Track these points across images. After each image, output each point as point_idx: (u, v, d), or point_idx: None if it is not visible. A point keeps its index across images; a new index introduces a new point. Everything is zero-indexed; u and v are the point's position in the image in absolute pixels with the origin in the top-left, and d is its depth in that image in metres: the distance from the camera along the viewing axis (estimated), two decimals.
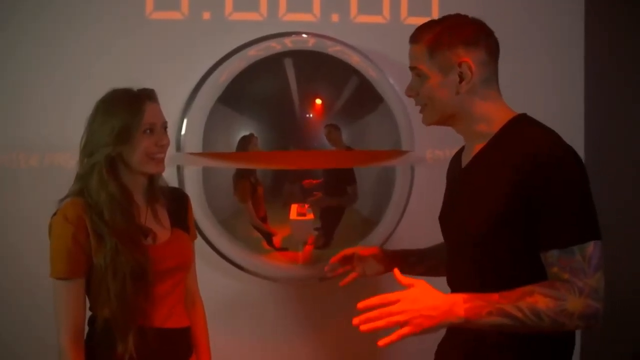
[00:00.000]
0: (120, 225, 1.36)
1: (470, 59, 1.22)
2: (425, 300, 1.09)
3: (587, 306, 1.09)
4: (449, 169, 1.47)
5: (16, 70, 2.08)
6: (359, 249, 1.59)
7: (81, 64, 2.10)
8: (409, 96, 1.33)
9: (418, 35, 1.27)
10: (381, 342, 1.07)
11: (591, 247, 1.10)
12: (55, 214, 1.39)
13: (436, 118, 1.30)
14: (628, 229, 2.27)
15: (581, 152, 2.27)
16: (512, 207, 1.15)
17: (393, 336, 1.08)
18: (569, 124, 2.28)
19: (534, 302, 1.09)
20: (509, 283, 1.14)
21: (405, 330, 1.08)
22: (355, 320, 1.09)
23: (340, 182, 1.99)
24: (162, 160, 1.44)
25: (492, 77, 1.27)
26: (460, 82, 1.24)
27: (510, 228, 1.16)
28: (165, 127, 1.47)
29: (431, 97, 1.27)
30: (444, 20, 1.27)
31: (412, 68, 1.29)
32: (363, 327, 1.08)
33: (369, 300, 1.10)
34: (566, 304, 1.09)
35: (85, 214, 1.36)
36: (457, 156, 1.42)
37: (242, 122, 1.98)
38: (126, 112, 1.39)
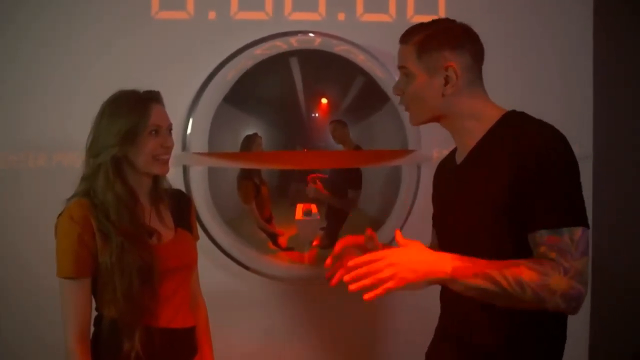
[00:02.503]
0: (126, 225, 1.37)
1: (455, 63, 1.26)
2: (412, 254, 1.12)
3: (570, 287, 1.09)
4: (436, 174, 1.49)
5: (20, 70, 2.09)
6: (346, 240, 1.50)
7: (85, 64, 2.11)
8: (396, 94, 1.36)
9: (408, 36, 1.30)
10: (366, 296, 1.10)
11: (579, 232, 1.12)
12: (61, 213, 1.40)
13: (423, 118, 1.33)
14: (636, 227, 2.30)
15: (589, 155, 2.30)
16: (511, 195, 1.17)
17: (378, 290, 1.10)
18: (577, 128, 2.28)
19: (519, 272, 1.10)
20: None
21: (389, 284, 1.10)
22: (346, 277, 1.12)
23: (344, 183, 1.99)
24: (166, 162, 1.46)
25: (477, 79, 1.30)
26: (446, 84, 1.27)
27: (509, 216, 1.18)
28: (170, 129, 1.49)
29: (416, 96, 1.30)
30: (433, 24, 1.30)
31: (400, 67, 1.32)
32: (352, 287, 1.11)
33: (358, 258, 1.12)
34: (549, 280, 1.09)
35: (91, 214, 1.37)
36: (448, 159, 1.44)
37: (248, 122, 1.99)
38: (132, 113, 1.40)
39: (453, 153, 1.41)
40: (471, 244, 1.24)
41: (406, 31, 1.32)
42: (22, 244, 2.07)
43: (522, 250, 1.18)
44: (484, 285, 1.11)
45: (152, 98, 1.45)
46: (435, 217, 1.45)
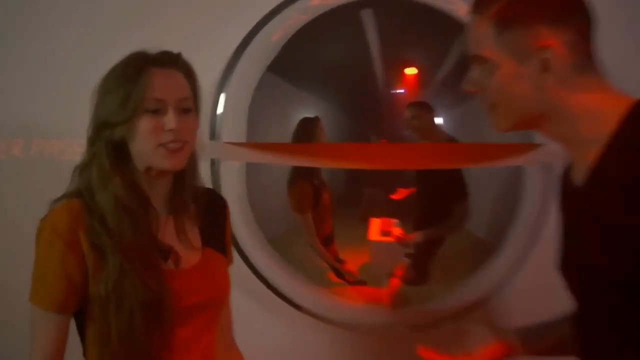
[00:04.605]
0: (128, 238, 1.37)
1: (556, 41, 1.18)
2: None
3: None
4: (560, 191, 1.38)
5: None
6: None
7: (84, 27, 2.23)
8: (470, 92, 1.30)
9: (481, 3, 1.23)
10: None
11: None
12: (43, 219, 1.41)
13: (513, 122, 1.27)
14: None
15: None
16: None
17: None
18: None
19: None
20: None
21: None
22: None
23: (443, 195, 2.00)
24: (176, 152, 1.43)
25: (589, 61, 1.21)
26: (544, 72, 1.19)
27: None
28: (186, 109, 1.45)
29: (504, 93, 1.23)
30: None
31: (472, 57, 1.26)
32: None
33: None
34: None
35: (82, 222, 1.38)
36: (566, 175, 1.34)
37: (304, 100, 2.03)
38: (126, 82, 1.40)
39: (569, 168, 1.32)
40: (603, 310, 1.18)
41: None
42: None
43: None
44: None
45: (154, 60, 1.43)
46: (560, 261, 1.35)
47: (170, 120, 1.40)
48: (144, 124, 1.39)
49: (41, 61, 2.25)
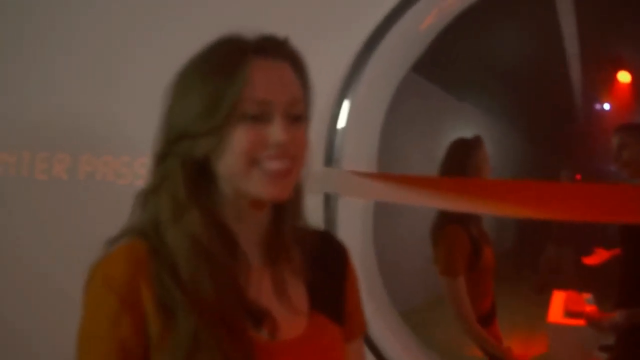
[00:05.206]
0: (208, 295, 1.26)
1: None
2: None
3: None
4: None
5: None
6: None
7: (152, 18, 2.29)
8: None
9: None
10: None
11: None
12: (95, 267, 1.29)
13: None
14: None
15: None
16: None
17: None
18: None
19: None
20: None
21: None
22: None
23: None
24: (281, 176, 1.28)
25: None
26: None
27: None
28: (297, 115, 1.31)
29: None
30: None
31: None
32: None
33: None
34: None
35: (146, 271, 1.27)
36: None
37: (459, 114, 1.98)
38: (217, 75, 1.28)
39: None
40: None
41: None
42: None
43: None
44: None
45: (259, 48, 1.29)
46: None
47: (277, 130, 1.27)
48: (240, 136, 1.27)
49: (93, 54, 2.27)
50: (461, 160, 1.89)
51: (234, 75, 1.26)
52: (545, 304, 1.88)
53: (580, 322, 1.89)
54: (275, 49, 1.30)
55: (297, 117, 1.29)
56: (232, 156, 1.27)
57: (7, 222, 2.48)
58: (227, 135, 1.26)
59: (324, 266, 1.45)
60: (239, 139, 1.26)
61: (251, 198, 1.31)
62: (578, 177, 1.80)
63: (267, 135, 1.26)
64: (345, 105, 2.12)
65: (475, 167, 1.89)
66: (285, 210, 1.38)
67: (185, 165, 1.29)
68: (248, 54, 1.27)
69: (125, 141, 2.01)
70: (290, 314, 1.35)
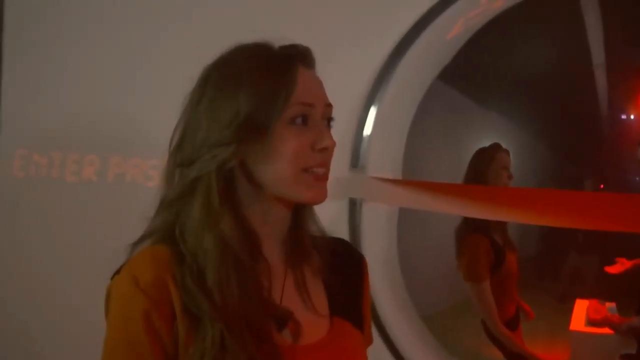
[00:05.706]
0: (234, 301, 1.21)
1: None
2: None
3: None
4: None
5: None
6: None
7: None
8: None
9: None
10: None
11: None
12: (118, 271, 1.28)
13: None
14: None
15: None
16: None
17: None
18: None
19: None
20: None
21: None
22: None
23: None
24: (322, 180, 1.24)
25: None
26: None
27: None
28: (329, 119, 1.28)
29: None
30: None
31: None
32: None
33: None
34: None
35: (174, 278, 1.24)
36: None
37: (485, 123, 2.04)
38: (261, 82, 1.24)
39: None
40: None
41: None
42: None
43: None
44: None
45: (298, 57, 1.24)
46: None
47: (327, 135, 1.25)
48: (291, 140, 1.23)
49: (124, 57, 2.25)
50: (480, 167, 1.90)
51: (286, 80, 1.22)
52: (567, 312, 1.87)
53: (602, 330, 1.89)
54: (311, 58, 1.25)
55: (330, 121, 1.29)
56: (282, 161, 1.24)
57: (34, 223, 2.39)
58: (273, 140, 1.23)
59: (342, 272, 1.37)
60: (290, 143, 1.24)
61: (289, 201, 1.29)
62: (601, 186, 1.81)
63: (313, 140, 1.24)
64: (372, 112, 2.12)
65: (494, 173, 1.90)
66: (302, 215, 1.33)
67: (221, 172, 1.25)
68: (292, 60, 1.24)
69: (153, 144, 2.06)
70: (312, 316, 1.29)
